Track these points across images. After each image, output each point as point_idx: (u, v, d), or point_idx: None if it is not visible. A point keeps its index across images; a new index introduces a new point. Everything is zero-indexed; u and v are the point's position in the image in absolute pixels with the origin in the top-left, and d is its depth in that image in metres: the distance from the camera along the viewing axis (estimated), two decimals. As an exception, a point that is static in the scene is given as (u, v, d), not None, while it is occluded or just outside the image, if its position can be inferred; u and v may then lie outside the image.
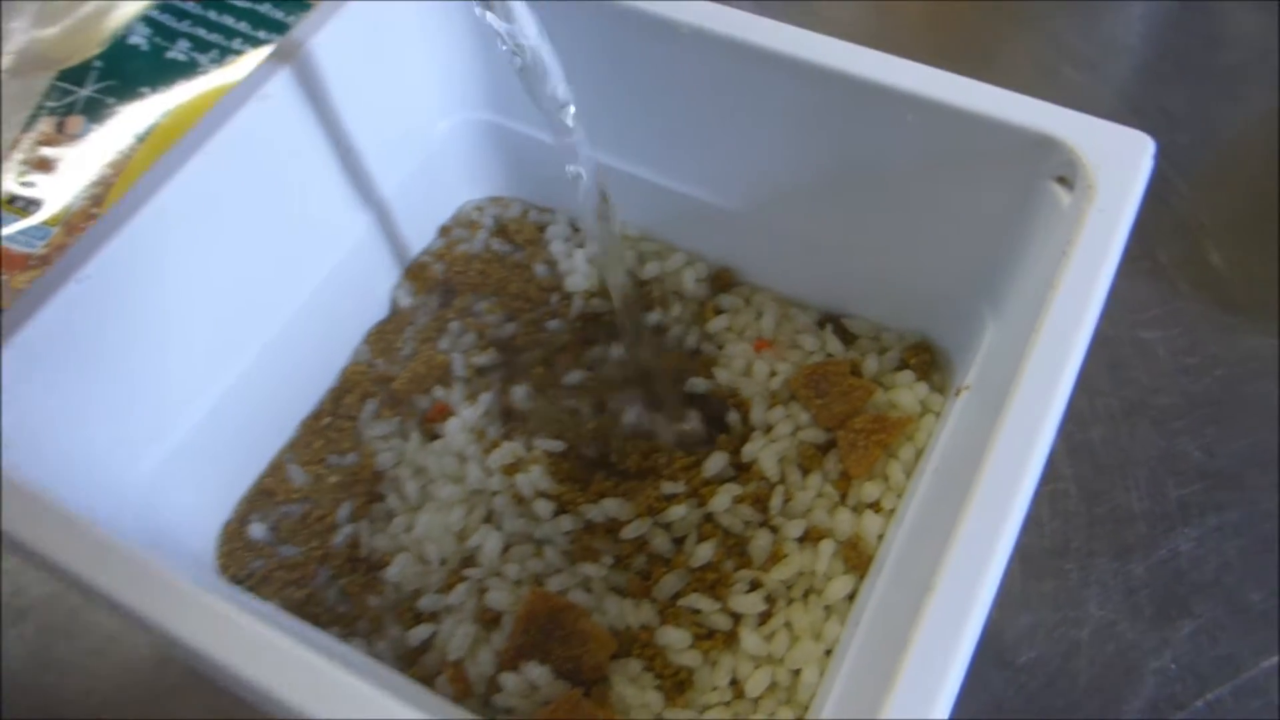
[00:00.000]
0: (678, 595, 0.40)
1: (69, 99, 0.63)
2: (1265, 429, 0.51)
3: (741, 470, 0.43)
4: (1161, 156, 0.34)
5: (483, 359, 0.47)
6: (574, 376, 0.47)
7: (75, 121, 0.62)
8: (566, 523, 0.42)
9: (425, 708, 0.28)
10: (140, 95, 0.63)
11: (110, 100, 0.63)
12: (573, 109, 0.37)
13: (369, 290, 0.49)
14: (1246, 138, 0.62)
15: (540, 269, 0.50)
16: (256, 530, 0.43)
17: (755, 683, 0.38)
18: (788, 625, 0.40)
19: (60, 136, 0.61)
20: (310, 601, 0.42)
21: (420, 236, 0.51)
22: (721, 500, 0.42)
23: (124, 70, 0.64)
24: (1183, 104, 0.62)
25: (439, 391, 0.46)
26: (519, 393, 0.46)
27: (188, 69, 0.64)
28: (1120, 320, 0.54)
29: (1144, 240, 0.57)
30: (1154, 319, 0.54)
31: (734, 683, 0.39)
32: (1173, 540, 0.48)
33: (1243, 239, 0.57)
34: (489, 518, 0.43)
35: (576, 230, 0.52)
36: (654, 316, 0.48)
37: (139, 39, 0.65)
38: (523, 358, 0.48)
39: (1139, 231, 0.33)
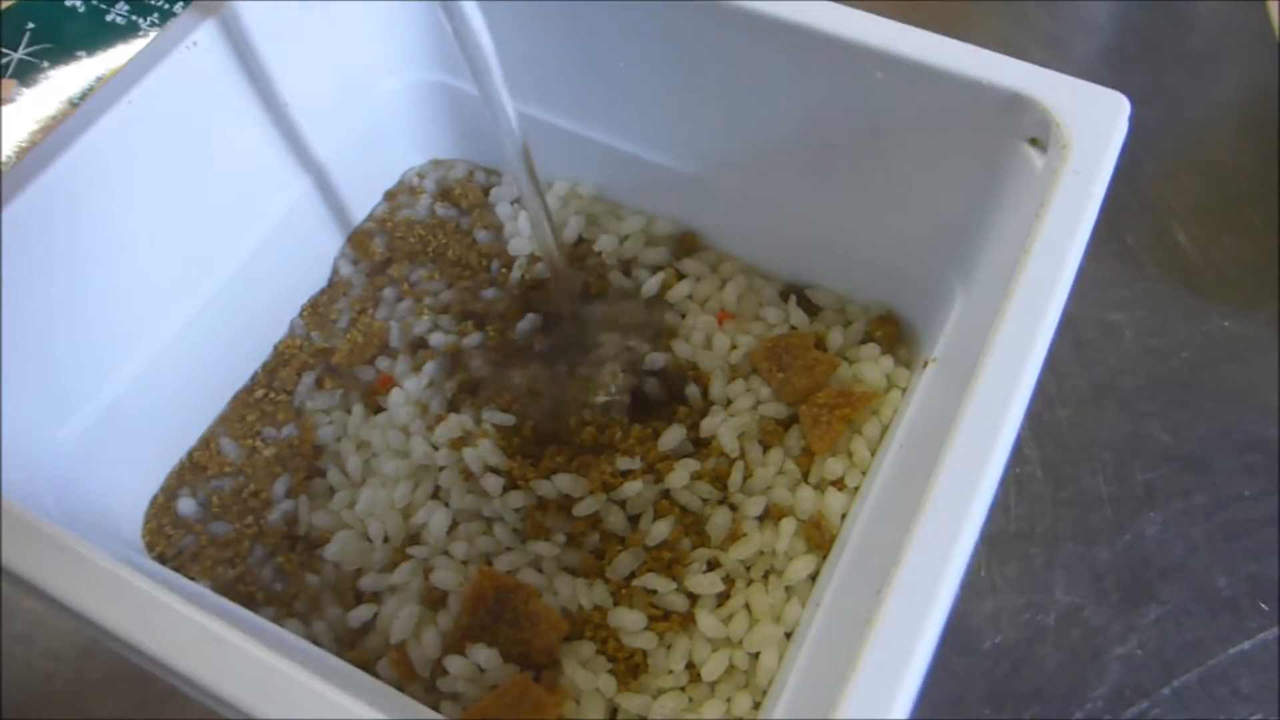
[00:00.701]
0: (633, 575, 0.39)
1: (1, 60, 0.60)
2: (1233, 412, 0.50)
3: (700, 446, 0.42)
4: (1129, 137, 0.33)
5: (421, 327, 0.45)
6: (522, 345, 0.45)
7: (7, 85, 0.59)
8: (516, 499, 0.40)
9: (365, 694, 0.26)
10: (75, 59, 0.60)
11: (44, 64, 0.60)
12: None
13: (309, 258, 0.47)
14: (1214, 119, 0.61)
15: (483, 235, 0.48)
16: (185, 506, 0.41)
17: (712, 666, 0.37)
18: (746, 607, 0.38)
19: (-7, 100, 0.59)
20: (243, 581, 0.40)
21: (364, 201, 0.49)
22: (679, 476, 0.40)
23: (59, 33, 0.61)
24: (1150, 84, 0.62)
25: (383, 363, 0.45)
26: (463, 363, 0.44)
27: (127, 32, 0.61)
28: (1087, 302, 0.53)
29: (1111, 221, 0.56)
30: (1121, 300, 0.54)
31: (690, 666, 0.37)
32: (1139, 524, 0.47)
33: (1210, 221, 0.56)
34: (435, 494, 0.41)
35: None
36: (615, 281, 0.46)
37: (76, 1, 0.62)
38: (461, 326, 0.46)
39: (1106, 212, 0.32)
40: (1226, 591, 0.45)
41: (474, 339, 0.45)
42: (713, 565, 0.39)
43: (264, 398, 0.44)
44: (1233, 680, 0.43)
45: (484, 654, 0.36)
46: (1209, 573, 0.46)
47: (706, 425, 0.42)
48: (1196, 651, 0.44)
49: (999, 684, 0.43)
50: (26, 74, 0.59)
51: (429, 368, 0.44)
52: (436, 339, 0.45)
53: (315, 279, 0.48)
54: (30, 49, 0.61)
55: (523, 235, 0.48)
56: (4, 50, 0.60)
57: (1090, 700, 0.43)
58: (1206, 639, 0.44)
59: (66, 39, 0.61)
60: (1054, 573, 0.46)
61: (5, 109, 0.58)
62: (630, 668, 0.37)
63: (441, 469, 0.41)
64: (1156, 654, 0.44)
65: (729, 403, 0.43)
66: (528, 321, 0.45)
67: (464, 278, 0.47)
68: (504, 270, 0.47)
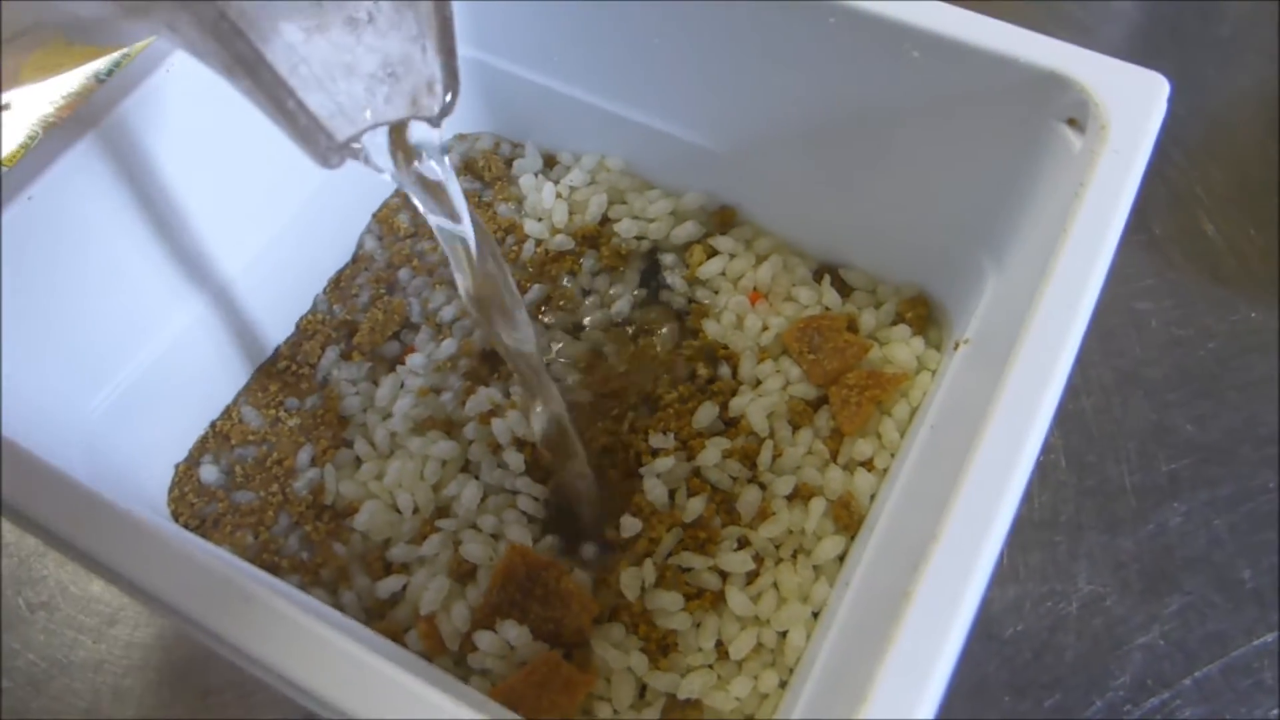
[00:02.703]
0: (669, 554, 0.39)
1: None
2: (1258, 403, 0.50)
3: (730, 425, 0.42)
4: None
5: (437, 302, 0.45)
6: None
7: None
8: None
9: (397, 662, 0.26)
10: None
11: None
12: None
13: (336, 234, 0.47)
14: (1243, 109, 0.61)
15: (504, 208, 0.48)
16: (208, 473, 0.41)
17: (740, 644, 0.37)
18: (775, 585, 0.38)
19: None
20: (266, 549, 0.40)
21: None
22: (710, 454, 0.40)
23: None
24: (1178, 74, 0.60)
25: (407, 337, 0.45)
26: (480, 336, 0.44)
27: (151, 5, 0.61)
28: (1114, 291, 0.53)
29: (1139, 211, 0.55)
30: (1147, 290, 0.53)
31: (719, 645, 0.37)
32: (1163, 514, 0.47)
33: (1238, 211, 0.56)
34: (465, 466, 0.41)
35: (553, 164, 0.50)
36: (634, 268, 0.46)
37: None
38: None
39: (1134, 202, 0.32)
40: (1251, 583, 0.45)
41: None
42: (743, 544, 0.39)
43: (286, 369, 0.44)
44: (1256, 673, 0.43)
45: (514, 631, 0.36)
46: (1233, 564, 0.45)
47: (735, 405, 0.41)
48: (1219, 643, 0.44)
49: (1020, 672, 0.43)
50: (52, 48, 0.59)
51: (447, 344, 0.44)
52: (447, 312, 0.45)
53: (341, 255, 0.48)
54: (56, 23, 0.60)
55: (544, 207, 0.47)
56: (29, 24, 0.60)
57: (1111, 690, 0.42)
58: (1230, 630, 0.44)
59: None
60: (1077, 561, 0.45)
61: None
62: (661, 647, 0.37)
63: (471, 442, 0.41)
64: (1179, 644, 0.43)
65: (758, 383, 0.42)
66: (534, 293, 0.45)
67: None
68: (517, 246, 0.47)
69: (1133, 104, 0.32)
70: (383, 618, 0.38)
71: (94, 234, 0.35)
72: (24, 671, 0.43)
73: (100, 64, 0.59)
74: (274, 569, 0.39)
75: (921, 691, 0.24)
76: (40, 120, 0.57)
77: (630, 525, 0.39)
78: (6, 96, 0.57)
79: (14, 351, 0.33)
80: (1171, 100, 0.34)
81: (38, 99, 0.57)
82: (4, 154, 0.55)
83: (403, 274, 0.46)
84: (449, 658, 0.37)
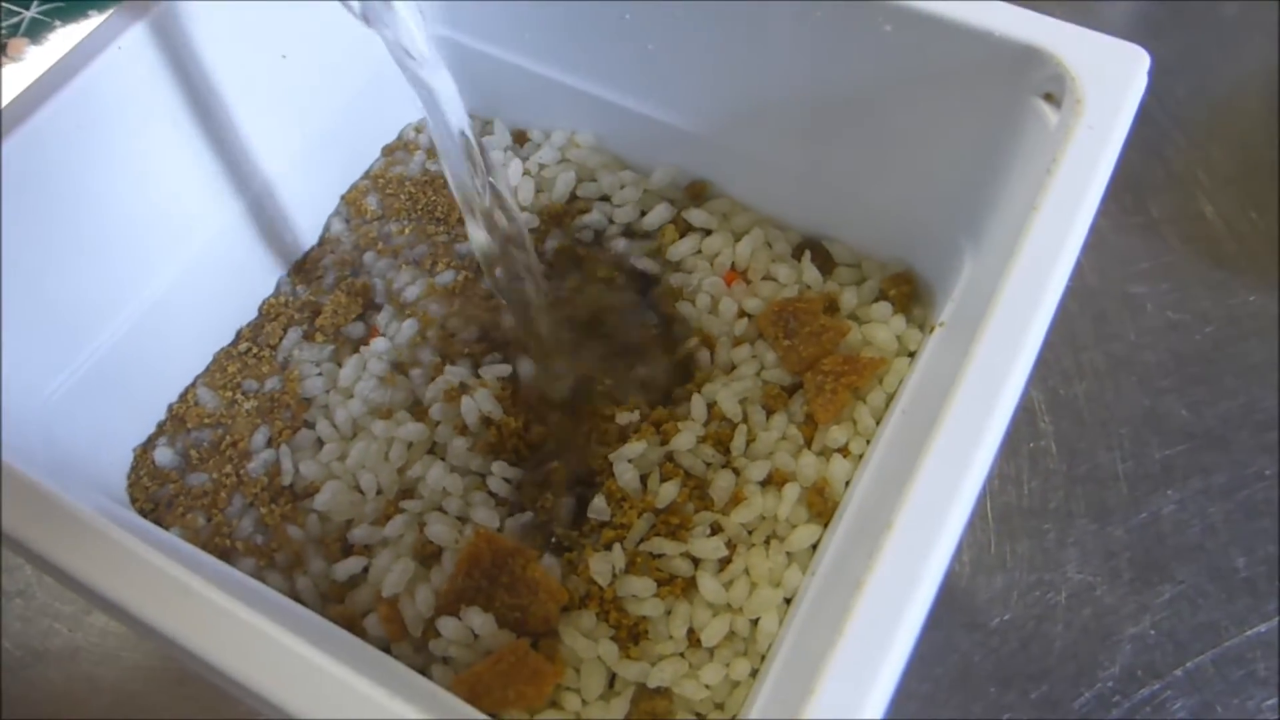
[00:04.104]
0: (641, 540, 0.38)
1: (14, 19, 0.60)
2: (1255, 389, 0.49)
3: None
4: (1157, 107, 0.32)
5: (401, 281, 0.45)
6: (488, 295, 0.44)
7: (18, 44, 0.59)
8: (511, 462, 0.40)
9: (353, 654, 0.25)
10: (86, 16, 0.60)
11: (55, 23, 0.60)
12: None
13: (301, 216, 0.46)
14: (1243, 90, 0.59)
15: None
16: (163, 456, 0.40)
17: (712, 631, 0.36)
18: (747, 572, 0.37)
19: (2, 59, 0.58)
20: (219, 532, 0.39)
21: (364, 157, 0.48)
22: (685, 439, 0.39)
23: (71, -9, 0.61)
24: (1179, 54, 0.60)
25: (372, 318, 0.44)
26: (440, 315, 0.44)
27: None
28: (1109, 274, 0.52)
29: (1137, 193, 0.54)
30: (1143, 273, 0.52)
31: (690, 632, 0.37)
32: (1155, 502, 0.46)
33: (1238, 193, 0.55)
34: (432, 449, 0.41)
35: (524, 141, 0.49)
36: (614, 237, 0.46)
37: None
38: (440, 279, 0.45)
39: (1131, 183, 0.31)
40: (1244, 572, 0.44)
41: (445, 277, 0.44)
42: (715, 530, 0.38)
43: (247, 351, 0.44)
44: (1248, 663, 0.42)
45: (478, 618, 0.35)
46: (1226, 553, 0.45)
47: (708, 390, 0.41)
48: (1211, 633, 0.43)
49: (1006, 662, 0.42)
50: (38, 32, 0.59)
51: (409, 324, 0.43)
52: (411, 292, 0.44)
53: (307, 238, 0.47)
54: (43, 7, 0.60)
55: (510, 185, 0.47)
56: (17, 9, 0.60)
57: (1100, 680, 0.42)
58: (1222, 620, 0.43)
59: (77, -3, 0.61)
60: (1066, 550, 0.45)
61: (12, 68, 0.58)
62: (632, 635, 0.36)
63: (438, 424, 0.40)
64: (1170, 635, 0.43)
65: (733, 368, 0.42)
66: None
67: (442, 234, 0.46)
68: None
69: (1110, 78, 0.31)
70: (341, 601, 0.38)
71: (53, 211, 0.35)
72: (-2, 659, 0.43)
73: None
74: (227, 553, 0.38)
75: (868, 690, 0.23)
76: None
77: (599, 509, 0.38)
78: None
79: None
80: (1171, 80, 0.33)
81: (23, 82, 0.57)
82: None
83: (368, 256, 0.46)
84: (409, 644, 0.37)
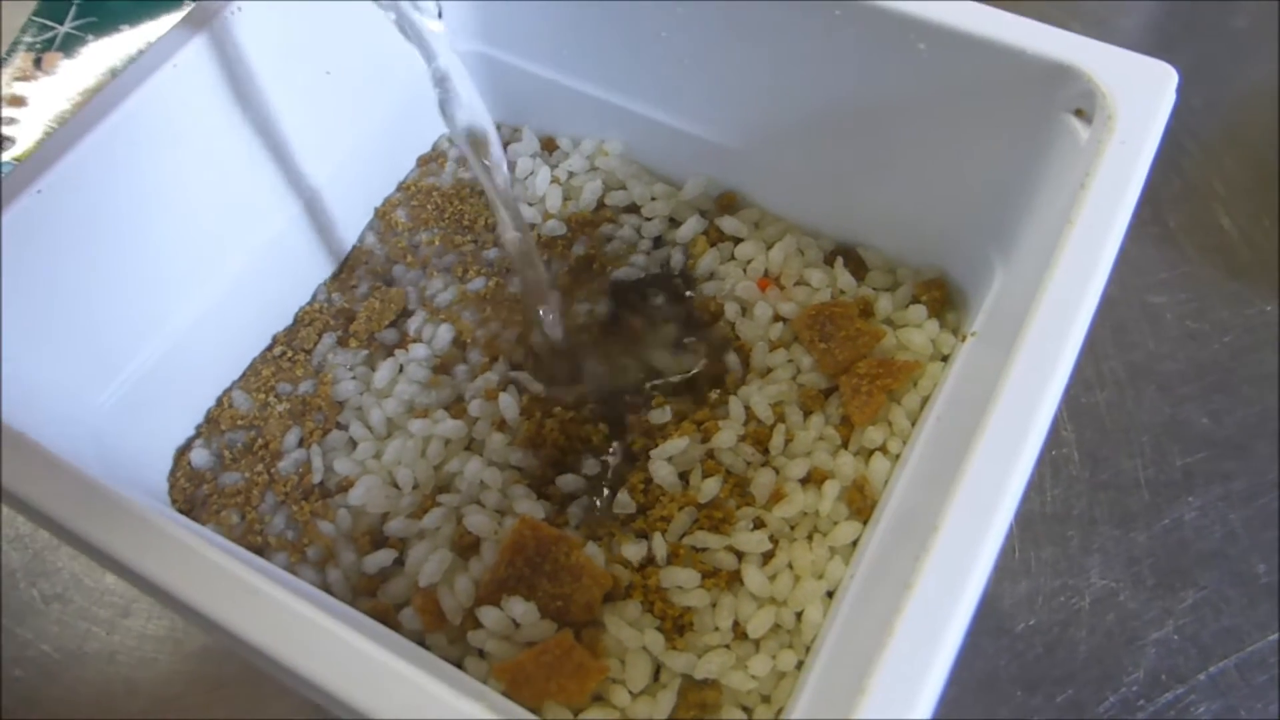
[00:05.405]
0: (684, 534, 0.38)
1: (48, 34, 0.60)
2: (1273, 397, 0.49)
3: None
4: (1172, 119, 0.33)
5: (433, 289, 0.45)
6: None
7: (53, 58, 0.60)
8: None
9: (390, 648, 0.26)
10: (118, 30, 0.61)
11: (89, 37, 0.60)
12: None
13: (339, 228, 0.47)
14: (1258, 101, 0.60)
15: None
16: (199, 458, 0.41)
17: (758, 623, 0.36)
18: (790, 566, 0.38)
19: (37, 73, 0.59)
20: (252, 530, 0.40)
21: (400, 168, 0.49)
22: (725, 436, 0.40)
23: (104, 7, 0.62)
24: (1194, 65, 0.60)
25: (405, 324, 0.45)
26: (474, 321, 0.44)
27: (168, 5, 0.62)
28: (1128, 284, 0.53)
29: (1153, 203, 0.55)
30: (1162, 284, 0.53)
31: (735, 624, 0.37)
32: (1177, 509, 0.46)
33: (1254, 204, 0.55)
34: (469, 445, 0.41)
35: (554, 149, 0.50)
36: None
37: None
38: (471, 286, 0.46)
39: (1148, 194, 0.32)
40: (1266, 578, 0.44)
41: (476, 284, 0.45)
42: (758, 524, 0.39)
43: (281, 355, 0.44)
44: (1271, 668, 0.42)
45: (520, 607, 0.35)
46: (1247, 559, 0.45)
47: (742, 394, 0.41)
48: (1234, 638, 0.43)
49: (1031, 666, 0.43)
50: (71, 47, 0.60)
51: (443, 329, 0.44)
52: (443, 298, 0.45)
53: (342, 250, 0.48)
54: (76, 23, 0.61)
55: (538, 193, 0.48)
56: (51, 24, 0.61)
57: (1124, 685, 0.42)
58: (1244, 626, 0.43)
59: (110, 12, 0.61)
60: (1090, 556, 0.45)
61: (47, 80, 0.59)
62: (677, 626, 0.37)
63: (476, 420, 0.41)
64: (1193, 640, 0.43)
65: (768, 371, 0.42)
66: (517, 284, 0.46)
67: (469, 242, 0.47)
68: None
69: (1140, 94, 0.32)
70: (373, 595, 0.38)
71: (105, 228, 0.35)
72: (37, 662, 0.43)
73: (117, 60, 0.59)
74: (260, 549, 0.39)
75: (919, 690, 0.24)
76: (57, 117, 0.57)
77: (624, 504, 0.39)
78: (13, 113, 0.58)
79: (21, 345, 0.34)
80: (1185, 92, 0.33)
81: (55, 96, 0.58)
82: (20, 152, 0.56)
83: (398, 269, 0.46)
84: (444, 636, 0.37)
